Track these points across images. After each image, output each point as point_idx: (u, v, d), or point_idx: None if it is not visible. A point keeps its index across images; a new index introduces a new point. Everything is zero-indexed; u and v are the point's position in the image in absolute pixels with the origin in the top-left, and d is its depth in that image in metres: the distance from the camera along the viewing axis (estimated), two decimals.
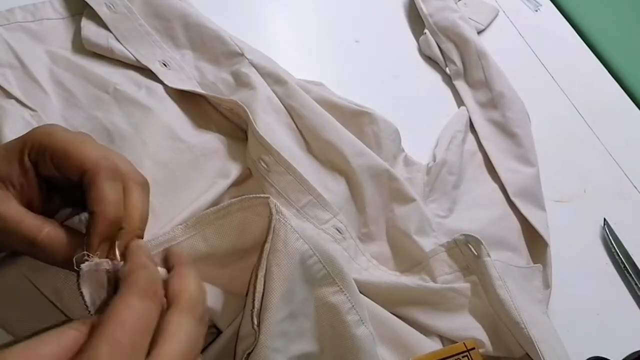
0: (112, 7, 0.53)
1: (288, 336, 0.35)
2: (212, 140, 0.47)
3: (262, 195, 0.36)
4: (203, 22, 0.54)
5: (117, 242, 0.30)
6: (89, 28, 0.52)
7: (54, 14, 0.54)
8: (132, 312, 0.25)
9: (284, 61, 0.60)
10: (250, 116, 0.45)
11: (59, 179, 0.32)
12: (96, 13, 0.52)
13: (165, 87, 0.50)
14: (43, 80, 0.48)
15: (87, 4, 0.53)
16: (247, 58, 0.52)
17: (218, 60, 0.53)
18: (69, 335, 0.25)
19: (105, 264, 0.29)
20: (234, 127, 0.50)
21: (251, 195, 0.36)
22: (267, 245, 0.34)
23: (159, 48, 0.53)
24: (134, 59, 0.51)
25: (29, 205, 0.32)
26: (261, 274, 0.34)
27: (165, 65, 0.51)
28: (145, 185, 0.34)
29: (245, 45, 0.54)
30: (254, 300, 0.34)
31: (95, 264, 0.28)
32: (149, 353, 0.24)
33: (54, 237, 0.30)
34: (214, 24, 0.54)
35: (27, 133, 0.32)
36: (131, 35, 0.52)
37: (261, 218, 0.36)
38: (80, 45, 0.52)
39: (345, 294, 0.37)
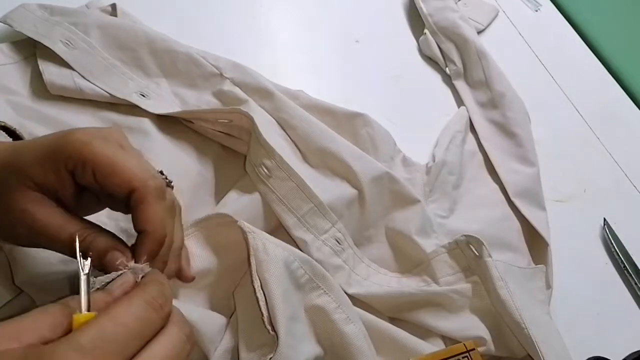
0: (69, 43, 0.49)
1: (296, 336, 0.36)
2: (204, 170, 0.47)
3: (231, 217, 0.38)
4: (171, 47, 0.51)
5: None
6: (50, 70, 0.48)
7: (4, 58, 0.49)
8: (131, 312, 0.24)
9: (284, 61, 0.60)
10: (255, 120, 0.44)
11: (96, 189, 0.31)
12: (51, 53, 0.48)
13: (147, 117, 0.47)
14: None
15: (37, 44, 0.48)
16: (227, 77, 0.50)
17: (196, 84, 0.51)
18: (54, 312, 0.24)
19: (140, 270, 0.29)
20: (227, 150, 0.48)
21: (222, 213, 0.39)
22: (252, 259, 0.36)
23: (130, 80, 0.49)
24: (108, 95, 0.47)
25: (60, 202, 0.31)
26: (257, 285, 0.36)
27: (143, 96, 0.48)
28: (179, 207, 0.35)
29: (222, 62, 0.51)
30: (260, 308, 0.35)
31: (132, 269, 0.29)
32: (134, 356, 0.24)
33: (87, 242, 0.30)
34: (183, 46, 0.51)
35: (58, 138, 0.31)
36: (97, 70, 0.48)
37: (237, 232, 0.38)
38: (41, 90, 0.48)
39: (329, 295, 0.39)
